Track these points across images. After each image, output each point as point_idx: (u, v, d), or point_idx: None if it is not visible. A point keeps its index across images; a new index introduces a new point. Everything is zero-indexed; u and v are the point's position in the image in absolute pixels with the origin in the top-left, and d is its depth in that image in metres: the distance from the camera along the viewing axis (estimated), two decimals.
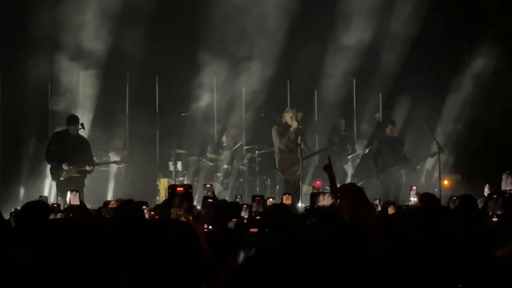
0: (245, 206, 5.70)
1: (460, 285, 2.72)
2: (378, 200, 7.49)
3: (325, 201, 4.93)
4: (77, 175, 10.75)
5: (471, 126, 13.09)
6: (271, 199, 6.77)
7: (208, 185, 7.20)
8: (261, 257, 1.73)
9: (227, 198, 10.54)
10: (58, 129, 11.51)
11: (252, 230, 2.54)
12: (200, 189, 12.15)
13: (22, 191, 12.54)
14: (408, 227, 3.51)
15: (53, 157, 10.79)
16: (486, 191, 7.76)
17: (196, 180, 12.67)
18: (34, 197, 10.57)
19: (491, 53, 12.92)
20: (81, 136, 11.05)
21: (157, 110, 13.69)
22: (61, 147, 10.71)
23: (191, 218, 3.24)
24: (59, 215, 3.83)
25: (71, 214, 4.42)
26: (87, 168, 10.84)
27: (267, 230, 2.53)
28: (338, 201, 4.62)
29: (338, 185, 12.17)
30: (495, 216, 4.73)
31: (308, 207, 6.03)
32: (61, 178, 10.65)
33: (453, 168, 12.93)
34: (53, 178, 10.90)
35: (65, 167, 10.60)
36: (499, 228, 4.42)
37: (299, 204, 10.41)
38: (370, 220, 4.46)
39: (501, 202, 4.94)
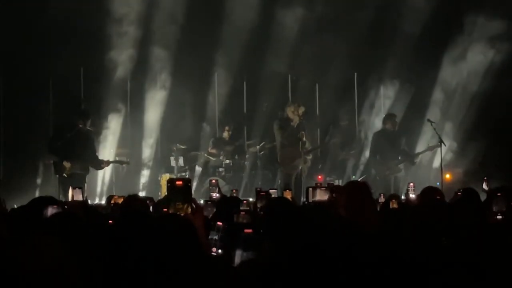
0: (245, 202, 5.66)
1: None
2: (382, 194, 7.48)
3: (321, 196, 4.92)
4: (80, 172, 10.72)
5: (473, 119, 13.05)
6: (273, 190, 6.73)
7: (213, 181, 7.17)
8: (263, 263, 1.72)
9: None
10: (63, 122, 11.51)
11: (246, 230, 2.52)
12: (200, 184, 12.17)
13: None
14: (410, 222, 3.49)
15: (56, 152, 10.73)
16: (484, 185, 7.74)
17: (198, 176, 12.66)
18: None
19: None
20: (88, 130, 10.98)
21: (158, 105, 13.66)
22: (65, 141, 10.64)
23: (190, 212, 3.24)
24: (55, 210, 3.82)
25: (66, 206, 4.41)
26: (98, 165, 10.97)
27: (261, 231, 2.52)
28: (334, 195, 4.61)
29: (338, 181, 12.23)
30: (499, 214, 4.71)
31: (304, 202, 6.01)
32: (64, 175, 10.62)
33: (455, 161, 12.90)
34: (56, 173, 10.87)
35: (66, 164, 10.54)
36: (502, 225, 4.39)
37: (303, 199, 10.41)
38: (368, 215, 4.45)
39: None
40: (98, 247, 2.87)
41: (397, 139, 11.93)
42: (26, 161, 12.64)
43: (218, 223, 3.31)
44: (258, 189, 7.05)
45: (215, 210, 5.76)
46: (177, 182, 3.25)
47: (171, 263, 2.48)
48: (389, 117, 12.13)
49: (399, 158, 11.90)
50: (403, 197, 7.74)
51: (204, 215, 4.05)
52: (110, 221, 4.47)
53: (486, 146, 12.52)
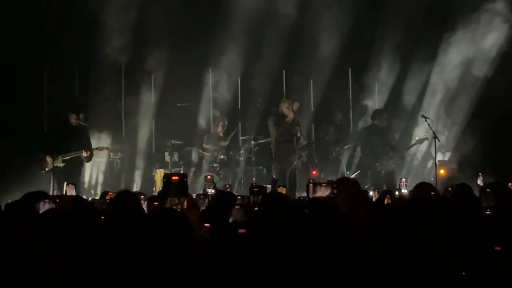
0: (239, 197, 5.66)
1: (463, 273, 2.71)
2: (376, 190, 7.51)
3: (322, 192, 4.95)
4: (62, 165, 10.63)
5: (469, 114, 13.05)
6: (268, 186, 6.76)
7: (209, 177, 7.18)
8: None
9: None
10: (58, 118, 11.48)
11: (240, 231, 2.54)
12: (195, 179, 12.16)
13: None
14: (404, 217, 3.51)
15: (45, 148, 10.69)
16: (479, 181, 7.77)
17: (192, 171, 12.66)
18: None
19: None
20: (82, 125, 10.96)
21: (153, 101, 13.66)
22: (59, 138, 10.63)
23: (185, 207, 3.25)
24: (47, 205, 3.82)
25: (57, 200, 4.41)
26: (84, 154, 10.79)
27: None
28: (335, 191, 4.64)
29: (333, 176, 12.25)
30: (488, 210, 4.75)
31: (301, 197, 6.02)
32: (47, 169, 10.59)
33: (450, 157, 12.91)
34: (39, 168, 10.83)
35: (49, 159, 10.52)
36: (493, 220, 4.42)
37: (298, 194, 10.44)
38: (364, 212, 4.51)
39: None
40: (89, 243, 2.88)
41: (386, 134, 11.98)
42: (19, 156, 12.60)
43: (206, 224, 3.30)
44: (254, 184, 7.07)
45: (207, 202, 5.77)
46: (173, 178, 3.27)
47: (166, 256, 2.49)
48: (378, 112, 12.16)
49: (390, 153, 11.93)
50: (397, 192, 7.76)
51: (199, 210, 4.06)
52: (102, 217, 4.48)
53: (482, 141, 12.51)
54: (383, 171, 11.80)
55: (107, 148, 12.01)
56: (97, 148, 11.65)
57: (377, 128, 11.92)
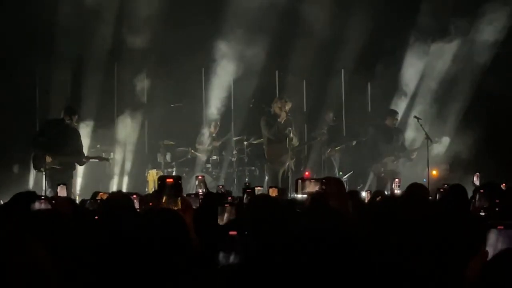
0: (230, 198, 5.64)
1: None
2: (369, 191, 7.54)
3: (311, 187, 5.01)
4: (59, 167, 10.58)
5: (462, 114, 13.07)
6: (259, 188, 6.75)
7: (200, 177, 7.18)
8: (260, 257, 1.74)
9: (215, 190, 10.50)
10: (50, 117, 11.45)
11: (231, 233, 2.54)
12: (187, 179, 12.16)
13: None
14: (393, 213, 3.53)
15: (40, 146, 10.61)
16: (475, 180, 7.79)
17: (185, 171, 12.65)
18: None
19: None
20: (74, 127, 10.93)
21: (146, 101, 13.65)
22: (51, 136, 10.56)
23: (180, 208, 3.26)
24: (42, 205, 3.82)
25: (53, 201, 4.41)
26: (81, 161, 10.83)
27: (246, 232, 2.54)
28: (324, 187, 4.67)
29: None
30: (482, 210, 4.76)
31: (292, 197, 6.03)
32: (42, 170, 10.54)
33: (442, 158, 12.93)
34: (35, 167, 10.76)
35: (48, 158, 10.44)
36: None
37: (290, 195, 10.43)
38: (352, 208, 4.61)
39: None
40: (83, 244, 2.87)
41: (394, 135, 11.86)
42: (12, 155, 12.57)
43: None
44: (247, 184, 7.07)
45: (198, 204, 5.76)
46: (168, 180, 3.28)
47: (163, 255, 2.49)
48: (390, 113, 12.06)
49: (395, 154, 11.79)
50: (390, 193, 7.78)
51: (192, 212, 4.05)
52: (95, 217, 4.49)
53: (474, 142, 12.53)
54: (386, 172, 11.64)
55: (107, 159, 11.97)
56: (97, 157, 11.63)
57: (385, 128, 11.85)
